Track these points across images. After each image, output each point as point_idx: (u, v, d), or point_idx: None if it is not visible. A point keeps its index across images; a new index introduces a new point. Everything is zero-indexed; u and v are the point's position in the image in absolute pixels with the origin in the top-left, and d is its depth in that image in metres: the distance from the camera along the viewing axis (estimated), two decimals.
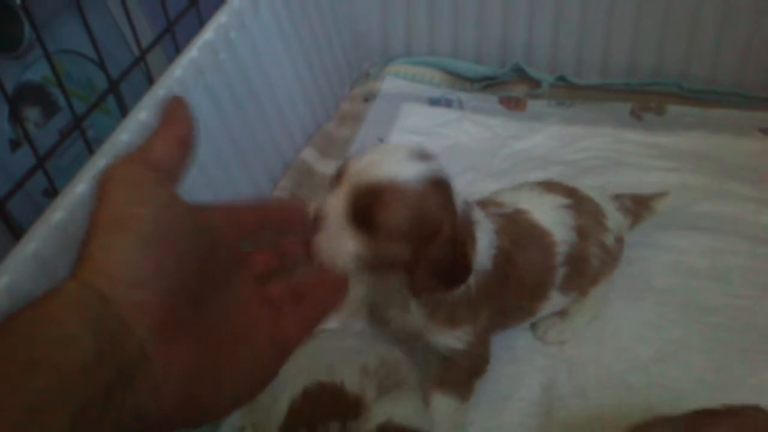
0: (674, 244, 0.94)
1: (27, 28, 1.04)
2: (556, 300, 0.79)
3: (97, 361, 0.38)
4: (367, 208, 0.61)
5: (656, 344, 0.83)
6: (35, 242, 0.65)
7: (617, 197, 0.86)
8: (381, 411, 0.65)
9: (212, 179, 0.89)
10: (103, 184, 0.43)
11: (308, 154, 1.13)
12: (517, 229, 0.75)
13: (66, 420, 0.36)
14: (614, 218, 0.82)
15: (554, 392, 0.79)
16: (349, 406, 0.64)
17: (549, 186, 0.82)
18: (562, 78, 1.24)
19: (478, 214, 0.71)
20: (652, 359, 0.82)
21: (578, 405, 0.78)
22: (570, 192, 0.81)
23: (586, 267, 0.79)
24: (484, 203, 0.77)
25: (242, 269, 0.49)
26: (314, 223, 0.62)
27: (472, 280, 0.69)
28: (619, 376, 0.81)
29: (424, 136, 1.14)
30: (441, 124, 1.17)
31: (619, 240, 0.82)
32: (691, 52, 1.17)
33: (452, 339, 0.74)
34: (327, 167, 1.12)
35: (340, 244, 0.62)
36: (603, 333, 0.85)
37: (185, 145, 0.46)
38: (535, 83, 1.25)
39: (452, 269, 0.65)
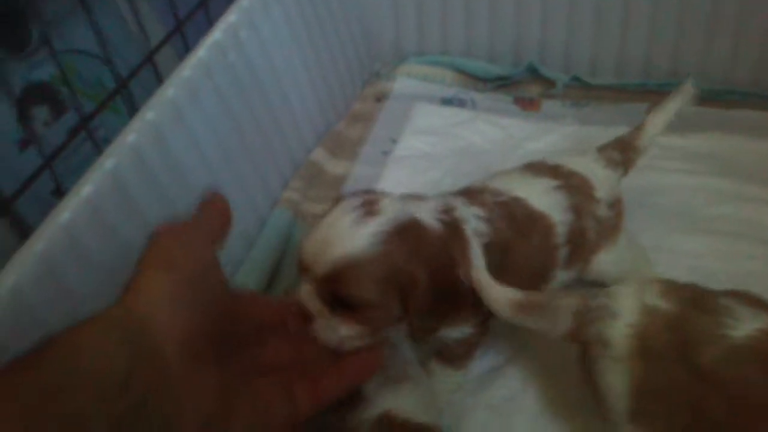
0: (690, 248, 0.92)
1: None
2: (560, 278, 0.80)
3: (130, 375, 0.43)
4: (336, 294, 0.62)
5: None
6: (42, 242, 0.64)
7: (603, 150, 0.86)
8: (380, 403, 0.67)
9: (222, 180, 0.88)
10: (157, 234, 0.52)
11: (318, 155, 1.12)
12: (517, 217, 0.76)
13: (104, 431, 0.41)
14: (603, 184, 0.82)
15: None
16: (347, 399, 0.66)
17: (535, 169, 0.82)
18: (576, 78, 1.23)
19: (463, 211, 0.72)
20: None
21: None
22: (555, 171, 0.81)
23: (585, 241, 0.80)
24: (479, 190, 0.78)
25: (260, 350, 0.60)
26: (303, 316, 0.64)
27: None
28: None
29: (436, 137, 1.13)
30: (454, 124, 1.15)
31: (614, 204, 0.83)
32: (708, 51, 1.15)
33: (455, 333, 0.75)
34: (337, 167, 1.11)
35: (333, 331, 0.63)
36: None
37: (226, 222, 0.58)
38: (550, 83, 1.23)
39: (449, 298, 0.67)
